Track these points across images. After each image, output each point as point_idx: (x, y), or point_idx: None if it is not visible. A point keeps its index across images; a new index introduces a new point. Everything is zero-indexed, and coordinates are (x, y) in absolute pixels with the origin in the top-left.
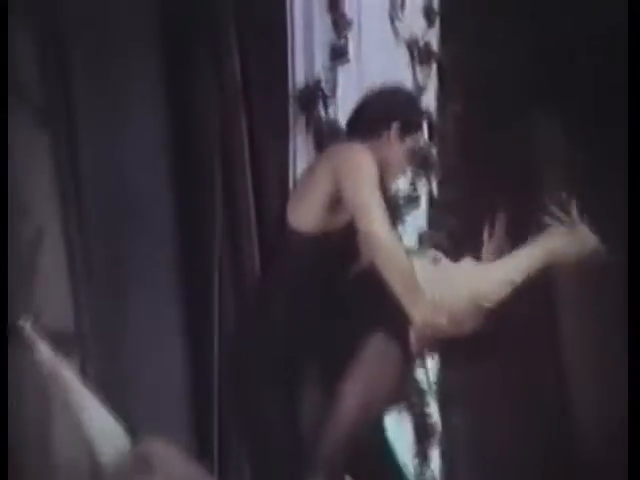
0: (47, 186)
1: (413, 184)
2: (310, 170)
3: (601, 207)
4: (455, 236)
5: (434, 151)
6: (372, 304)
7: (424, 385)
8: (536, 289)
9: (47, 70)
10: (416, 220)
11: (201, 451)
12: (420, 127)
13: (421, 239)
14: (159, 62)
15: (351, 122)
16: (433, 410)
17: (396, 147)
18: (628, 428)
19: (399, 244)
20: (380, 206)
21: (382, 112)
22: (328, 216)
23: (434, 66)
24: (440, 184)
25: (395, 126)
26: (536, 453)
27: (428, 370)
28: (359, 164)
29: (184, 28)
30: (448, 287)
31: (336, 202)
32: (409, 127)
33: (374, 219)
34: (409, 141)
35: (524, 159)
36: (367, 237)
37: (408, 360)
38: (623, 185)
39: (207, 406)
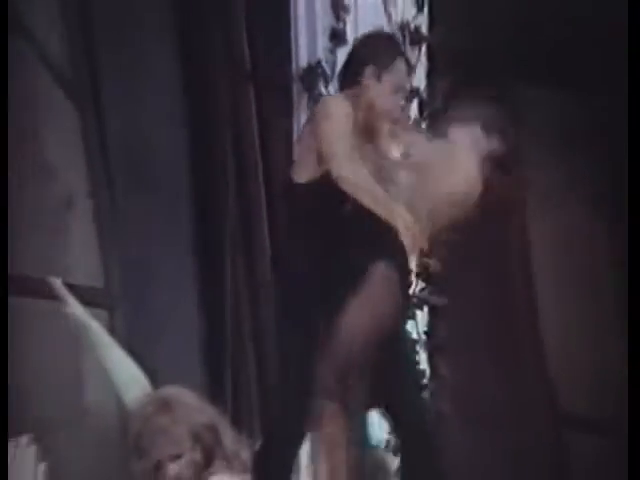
0: (77, 154)
1: None
2: (302, 130)
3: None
4: None
5: (424, 126)
6: (371, 236)
7: (414, 335)
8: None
9: (75, 47)
10: None
11: (215, 395)
12: (394, 61)
13: None
14: (177, 42)
15: (338, 77)
16: (422, 359)
17: (376, 89)
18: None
19: (367, 179)
20: (345, 150)
21: (353, 60)
22: (317, 166)
23: (423, 48)
24: None
25: (368, 70)
26: (517, 402)
27: (418, 322)
28: (328, 114)
29: (199, 13)
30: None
31: (319, 152)
32: (383, 66)
33: (341, 164)
34: (388, 78)
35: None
36: (339, 181)
37: (407, 281)
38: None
39: (220, 355)
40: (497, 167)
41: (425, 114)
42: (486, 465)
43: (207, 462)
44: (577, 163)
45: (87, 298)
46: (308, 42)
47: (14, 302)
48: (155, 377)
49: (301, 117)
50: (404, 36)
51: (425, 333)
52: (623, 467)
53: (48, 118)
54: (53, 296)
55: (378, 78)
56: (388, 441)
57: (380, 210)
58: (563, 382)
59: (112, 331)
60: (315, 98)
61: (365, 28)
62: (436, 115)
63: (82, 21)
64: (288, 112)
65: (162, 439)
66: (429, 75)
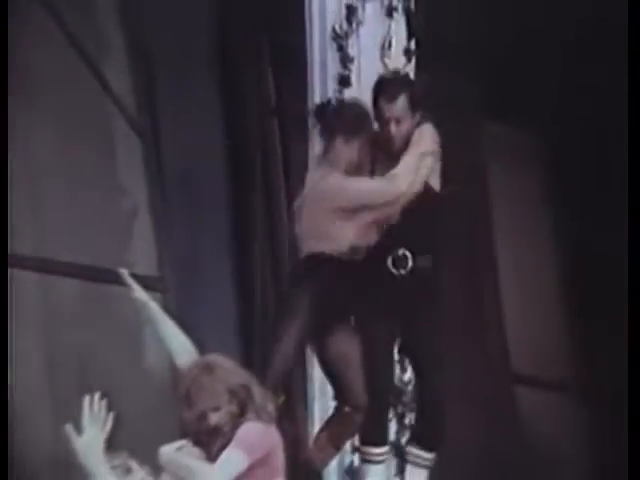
0: (139, 175)
1: None
2: None
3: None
4: None
5: None
6: None
7: None
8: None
9: (139, 93)
10: None
11: (247, 361)
12: (362, 129)
13: None
14: (219, 85)
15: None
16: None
17: (345, 151)
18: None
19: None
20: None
21: (325, 129)
22: None
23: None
24: None
25: (339, 139)
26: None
27: None
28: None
29: (237, 62)
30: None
31: None
32: (352, 134)
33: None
34: (356, 141)
35: None
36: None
37: None
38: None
39: (251, 329)
40: None
41: None
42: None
43: (241, 413)
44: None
45: (146, 284)
46: (321, 85)
47: (94, 287)
48: (200, 346)
49: (315, 144)
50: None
51: None
52: (569, 416)
53: (118, 146)
54: (122, 283)
55: (346, 142)
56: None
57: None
58: (518, 347)
59: (166, 309)
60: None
61: (366, 74)
62: None
63: (145, 69)
64: (305, 140)
65: (205, 394)
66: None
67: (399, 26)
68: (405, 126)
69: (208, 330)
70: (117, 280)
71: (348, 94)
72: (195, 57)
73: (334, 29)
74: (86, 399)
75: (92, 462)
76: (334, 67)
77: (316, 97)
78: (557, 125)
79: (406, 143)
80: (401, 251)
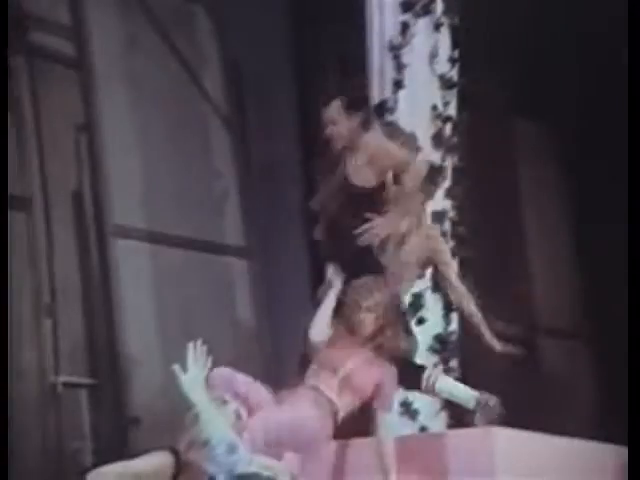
0: (230, 164)
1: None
2: None
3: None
4: None
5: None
6: None
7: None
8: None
9: (229, 88)
10: None
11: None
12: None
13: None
14: (294, 86)
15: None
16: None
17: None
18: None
19: None
20: None
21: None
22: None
23: (455, 92)
24: None
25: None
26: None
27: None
28: None
29: (309, 68)
30: None
31: None
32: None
33: None
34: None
35: None
36: None
37: None
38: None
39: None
40: None
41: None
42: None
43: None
44: None
45: (234, 253)
46: (379, 87)
47: (193, 254)
48: (278, 301)
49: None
50: (442, 83)
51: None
52: (585, 362)
53: (212, 139)
54: (215, 251)
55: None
56: None
57: None
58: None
59: (251, 273)
60: (383, 126)
61: (417, 76)
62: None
63: (235, 75)
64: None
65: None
66: (458, 108)
67: (445, 38)
68: (342, 127)
69: (286, 288)
70: (212, 249)
71: (402, 95)
72: (276, 66)
73: (391, 41)
74: (190, 345)
75: (195, 395)
76: (390, 73)
77: (375, 97)
78: (583, 123)
79: (351, 142)
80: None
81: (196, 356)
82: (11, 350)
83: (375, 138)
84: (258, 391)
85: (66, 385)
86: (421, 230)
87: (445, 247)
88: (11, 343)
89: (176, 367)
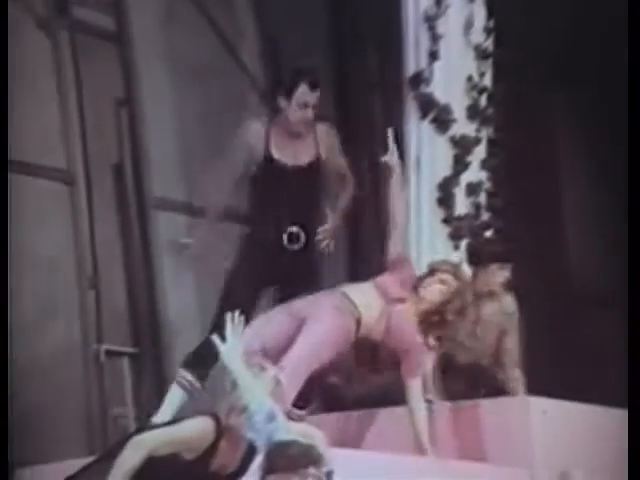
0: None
1: None
2: None
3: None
4: None
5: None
6: None
7: None
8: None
9: (266, 60)
10: None
11: None
12: None
13: None
14: (330, 63)
15: None
16: None
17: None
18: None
19: None
20: None
21: None
22: None
23: (490, 63)
24: None
25: None
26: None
27: None
28: None
29: (344, 43)
30: None
31: None
32: None
33: None
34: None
35: None
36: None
37: None
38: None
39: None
40: None
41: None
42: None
43: None
44: None
45: None
46: (415, 58)
47: (229, 227)
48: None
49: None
50: (477, 54)
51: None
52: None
53: (250, 114)
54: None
55: None
56: None
57: None
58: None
59: None
60: (419, 97)
61: (452, 48)
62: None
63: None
64: (401, 104)
65: None
66: (494, 79)
67: (480, 8)
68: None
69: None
70: (245, 221)
71: (437, 66)
72: (313, 41)
73: (426, 12)
74: (228, 315)
75: (233, 363)
76: (426, 43)
77: (411, 68)
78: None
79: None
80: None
81: (234, 326)
82: (57, 320)
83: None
84: (278, 338)
85: (109, 353)
86: None
87: None
88: (57, 314)
89: (215, 337)
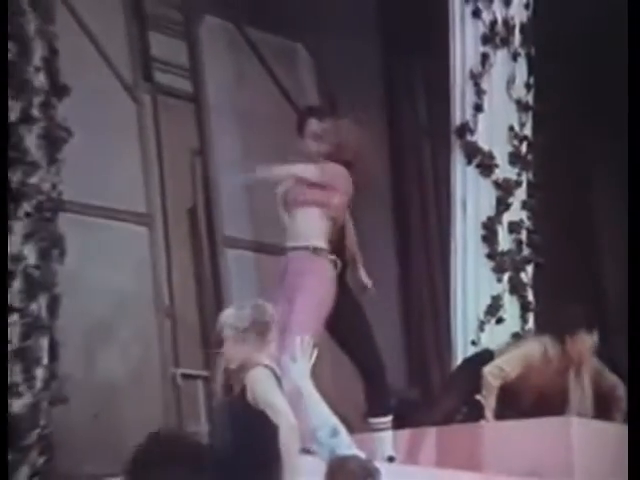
0: None
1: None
2: None
3: None
4: None
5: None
6: None
7: None
8: None
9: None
10: None
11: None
12: None
13: None
14: (383, 108)
15: None
16: None
17: None
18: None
19: None
20: None
21: None
22: None
23: (530, 115)
24: None
25: None
26: None
27: None
28: None
29: (398, 95)
30: None
31: None
32: None
33: None
34: None
35: None
36: None
37: None
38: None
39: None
40: None
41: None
42: None
43: None
44: None
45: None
46: (460, 110)
47: None
48: None
49: (457, 156)
50: (519, 107)
51: None
52: None
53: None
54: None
55: None
56: None
57: None
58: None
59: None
60: (464, 145)
61: (496, 102)
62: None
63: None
64: (449, 152)
65: None
66: (533, 129)
67: (521, 67)
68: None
69: None
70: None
71: (481, 117)
72: (369, 96)
73: (471, 70)
74: (297, 338)
75: (302, 381)
76: (471, 97)
77: (457, 119)
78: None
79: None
80: None
81: (303, 349)
82: (138, 347)
83: None
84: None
85: (184, 376)
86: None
87: None
88: (138, 341)
89: (286, 358)
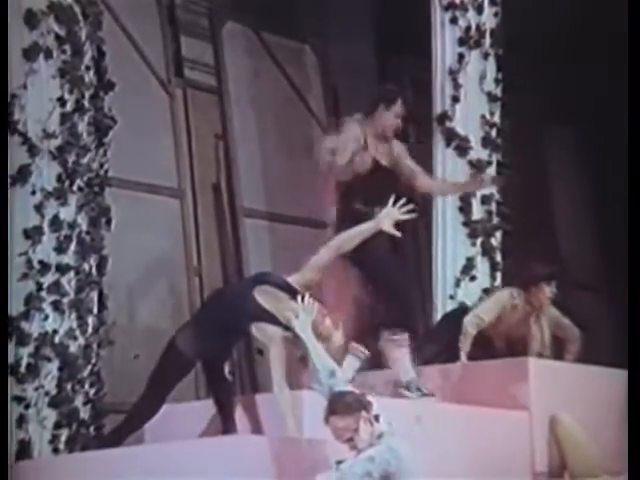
0: None
1: None
2: None
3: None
4: None
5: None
6: None
7: None
8: None
9: (329, 105)
10: None
11: None
12: None
13: None
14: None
15: None
16: None
17: None
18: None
19: None
20: None
21: None
22: None
23: (499, 105)
24: None
25: None
26: None
27: None
28: None
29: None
30: None
31: None
32: None
33: None
34: None
35: None
36: None
37: None
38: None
39: None
40: None
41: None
42: None
43: None
44: None
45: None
46: (441, 101)
47: (301, 230)
48: None
49: (438, 140)
50: (490, 98)
51: None
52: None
53: (315, 145)
54: (317, 226)
55: None
56: None
57: None
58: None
59: None
60: (444, 130)
61: (470, 94)
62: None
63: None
64: (429, 138)
65: None
66: (502, 117)
67: (492, 64)
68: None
69: None
70: (315, 225)
71: (458, 107)
72: (365, 90)
73: (450, 67)
74: (299, 296)
75: (305, 334)
76: (449, 90)
77: (438, 109)
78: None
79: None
80: None
81: (305, 305)
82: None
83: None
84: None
85: None
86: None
87: None
88: (172, 294)
89: (289, 313)
